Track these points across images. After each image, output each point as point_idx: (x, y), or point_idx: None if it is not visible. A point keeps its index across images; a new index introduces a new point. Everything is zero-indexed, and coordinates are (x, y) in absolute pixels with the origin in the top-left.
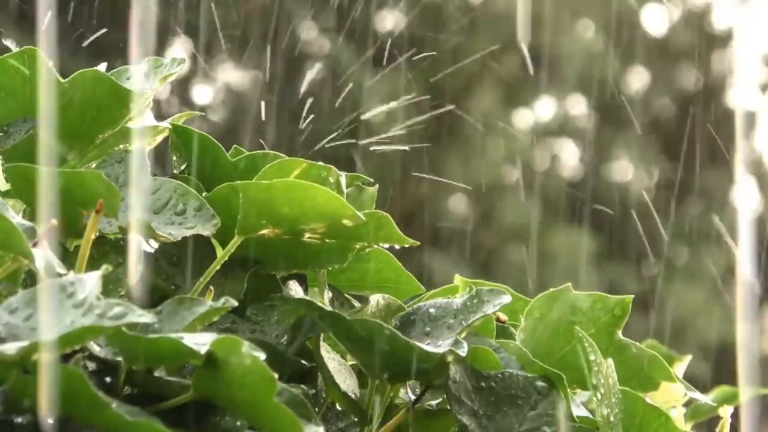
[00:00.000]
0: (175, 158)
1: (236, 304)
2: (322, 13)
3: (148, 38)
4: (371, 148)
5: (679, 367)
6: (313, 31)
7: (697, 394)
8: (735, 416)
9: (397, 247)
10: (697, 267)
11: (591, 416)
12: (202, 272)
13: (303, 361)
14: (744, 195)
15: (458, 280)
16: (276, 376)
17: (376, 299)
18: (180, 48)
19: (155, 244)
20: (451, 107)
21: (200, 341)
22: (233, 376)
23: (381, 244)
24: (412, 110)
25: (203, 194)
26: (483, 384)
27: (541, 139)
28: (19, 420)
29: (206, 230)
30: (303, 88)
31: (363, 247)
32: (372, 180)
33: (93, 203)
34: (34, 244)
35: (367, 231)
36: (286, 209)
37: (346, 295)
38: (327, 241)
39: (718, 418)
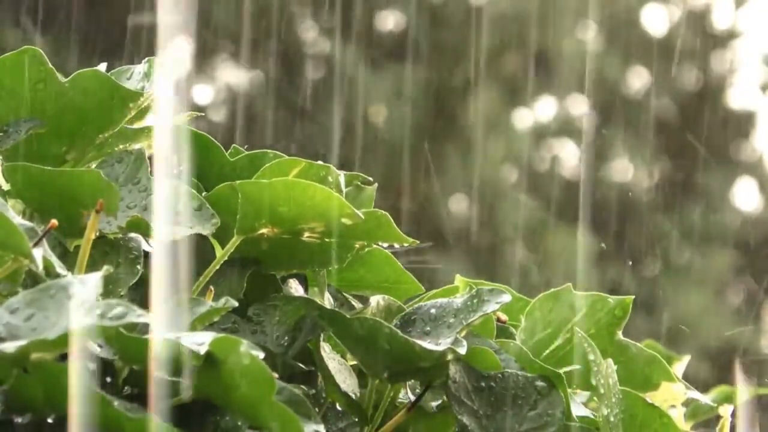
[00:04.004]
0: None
1: (236, 304)
2: (322, 11)
3: (149, 38)
4: None
5: (679, 367)
6: (312, 31)
7: (696, 394)
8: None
9: (397, 246)
10: (698, 267)
11: (591, 416)
12: (201, 272)
13: (302, 365)
14: (744, 195)
15: (459, 280)
16: (276, 375)
17: (376, 300)
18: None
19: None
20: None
21: (199, 341)
22: (232, 375)
23: (381, 244)
24: (412, 109)
25: (203, 194)
26: (483, 384)
27: (542, 139)
28: (19, 420)
29: (206, 230)
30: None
31: (362, 247)
32: (371, 179)
33: (93, 203)
34: (34, 244)
35: (367, 230)
36: (285, 208)
37: (346, 295)
38: (326, 240)
39: (718, 417)
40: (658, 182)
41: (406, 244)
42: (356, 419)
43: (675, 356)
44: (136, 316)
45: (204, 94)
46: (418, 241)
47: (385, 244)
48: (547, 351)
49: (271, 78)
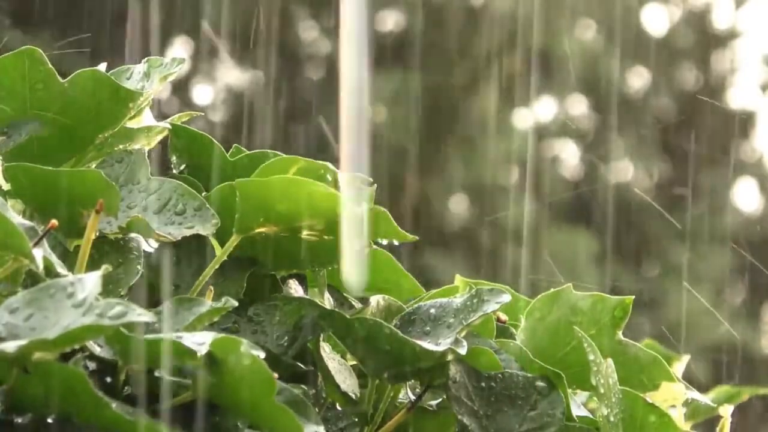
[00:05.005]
0: (175, 158)
1: (236, 304)
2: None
3: (149, 38)
4: None
5: (678, 367)
6: (313, 31)
7: (696, 394)
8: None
9: (396, 243)
10: (698, 267)
11: (591, 416)
12: (201, 272)
13: (301, 365)
14: (744, 195)
15: (458, 280)
16: (276, 375)
17: (376, 300)
18: (180, 47)
19: (155, 244)
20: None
21: (199, 341)
22: (232, 376)
23: (380, 241)
24: (412, 109)
25: (203, 194)
26: (483, 384)
27: (541, 139)
28: (19, 420)
29: (206, 230)
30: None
31: None
32: (370, 179)
33: (93, 203)
34: (34, 244)
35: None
36: (283, 206)
37: (346, 295)
38: (326, 238)
39: (718, 417)
40: (658, 182)
41: (405, 241)
42: (356, 419)
43: (674, 356)
44: (136, 315)
45: (204, 94)
46: (416, 237)
47: (384, 242)
48: (548, 351)
49: (271, 78)
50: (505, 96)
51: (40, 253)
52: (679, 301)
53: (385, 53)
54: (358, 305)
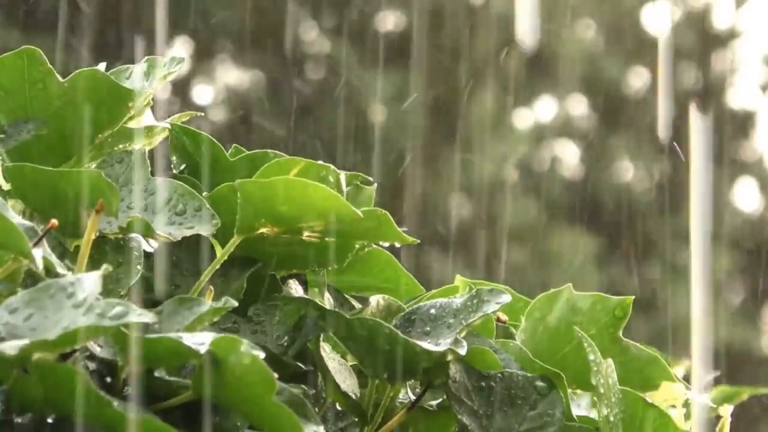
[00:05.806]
0: (175, 158)
1: (236, 304)
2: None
3: (149, 38)
4: None
5: (679, 368)
6: (313, 31)
7: (696, 394)
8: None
9: (397, 245)
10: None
11: (591, 416)
12: (201, 272)
13: (301, 365)
14: (744, 195)
15: (459, 280)
16: (276, 375)
17: (376, 300)
18: (180, 47)
19: (155, 244)
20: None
21: (199, 341)
22: (232, 375)
23: (381, 243)
24: (413, 109)
25: (203, 194)
26: (483, 384)
27: (541, 139)
28: (19, 420)
29: (206, 230)
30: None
31: (362, 247)
32: (371, 179)
33: (93, 203)
34: (34, 244)
35: (367, 229)
36: (285, 207)
37: (346, 295)
38: (326, 239)
39: (718, 417)
40: (658, 182)
41: (406, 243)
42: (356, 419)
43: (675, 358)
44: (137, 315)
45: (204, 94)
46: (418, 240)
47: (386, 243)
48: (548, 351)
49: (271, 78)
50: (505, 96)
51: (40, 253)
52: (679, 300)
53: (385, 53)
54: (358, 305)
